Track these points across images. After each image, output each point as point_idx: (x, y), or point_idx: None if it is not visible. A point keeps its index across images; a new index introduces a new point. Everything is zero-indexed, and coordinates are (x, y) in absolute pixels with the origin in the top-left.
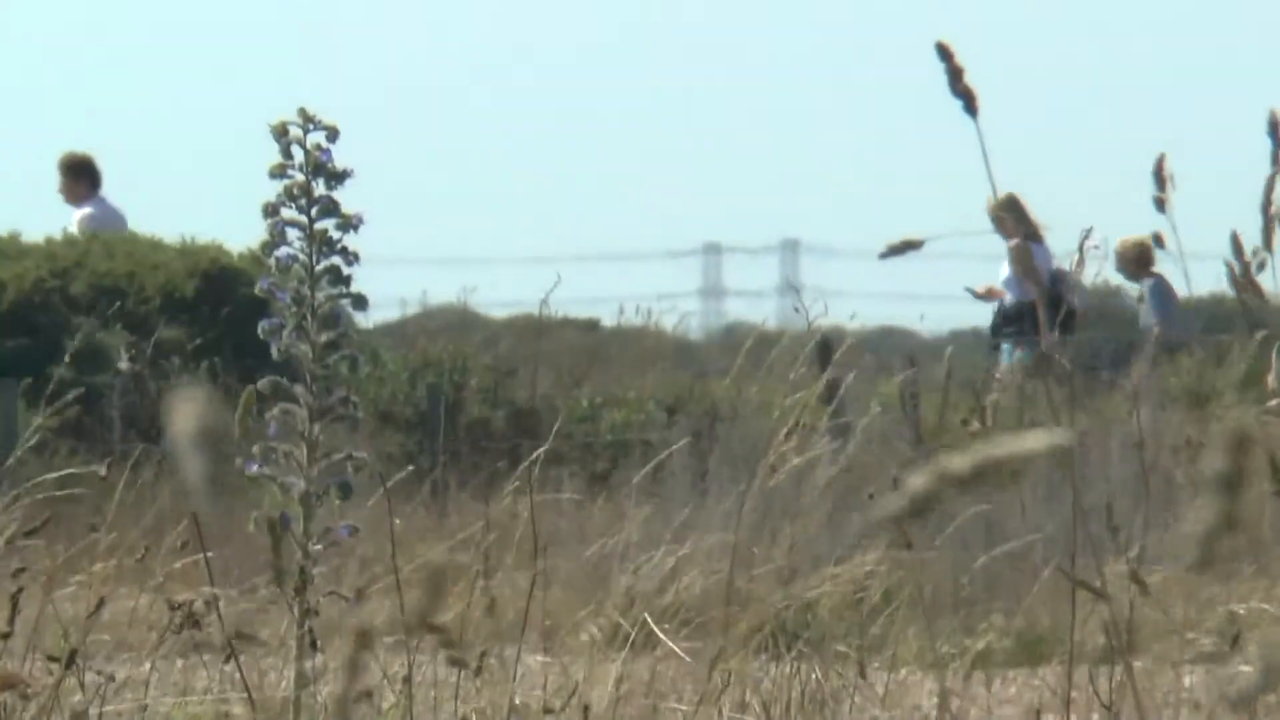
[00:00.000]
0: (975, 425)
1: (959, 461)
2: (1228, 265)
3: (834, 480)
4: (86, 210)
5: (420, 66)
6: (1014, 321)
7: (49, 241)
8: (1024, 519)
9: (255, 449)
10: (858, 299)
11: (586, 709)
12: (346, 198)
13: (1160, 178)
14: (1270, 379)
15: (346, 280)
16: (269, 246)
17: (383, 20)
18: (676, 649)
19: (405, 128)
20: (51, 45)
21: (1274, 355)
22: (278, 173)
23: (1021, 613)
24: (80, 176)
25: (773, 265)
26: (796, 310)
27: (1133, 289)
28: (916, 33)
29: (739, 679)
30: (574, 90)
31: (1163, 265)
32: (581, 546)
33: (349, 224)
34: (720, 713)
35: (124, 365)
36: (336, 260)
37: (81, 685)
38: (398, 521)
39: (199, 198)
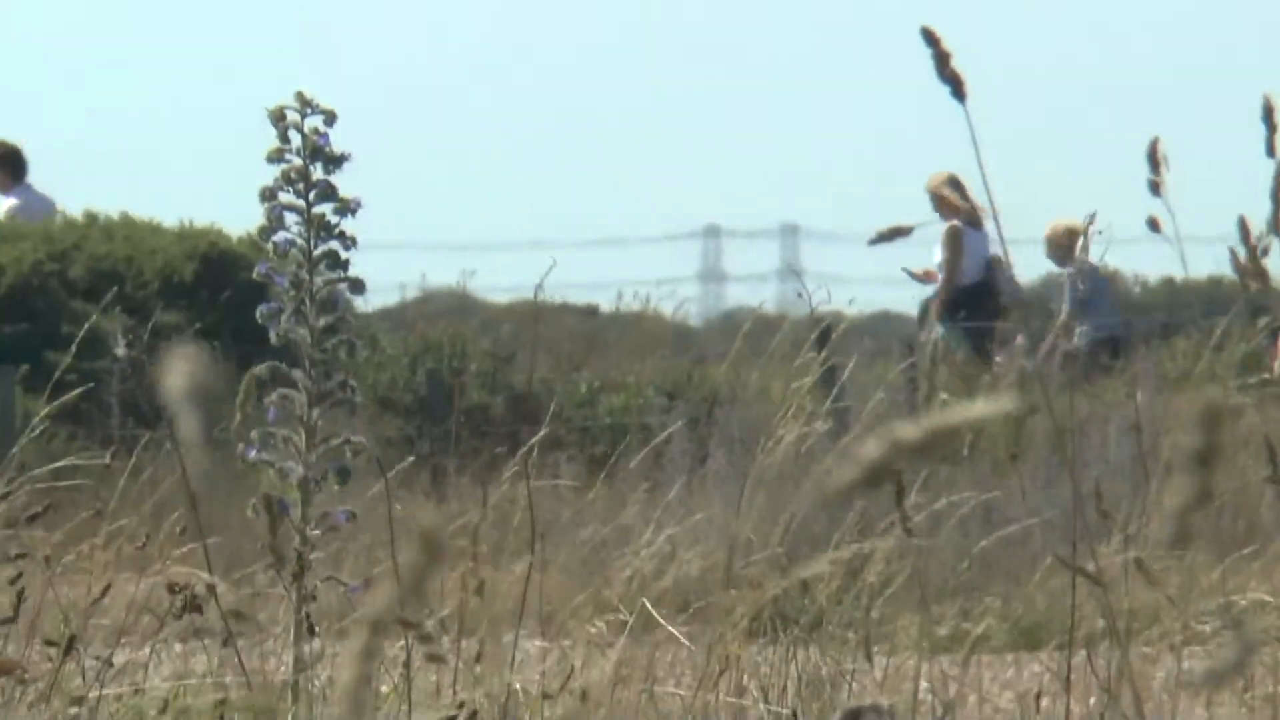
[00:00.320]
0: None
1: (910, 430)
2: (1232, 251)
3: (833, 465)
4: (12, 201)
5: (419, 51)
6: (946, 305)
7: (47, 224)
8: (1023, 504)
9: (254, 434)
10: (857, 284)
11: (584, 694)
12: (344, 182)
13: (1154, 161)
14: (1276, 365)
15: (345, 264)
16: (267, 231)
17: (381, 5)
18: (676, 633)
19: (404, 112)
20: (52, 32)
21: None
22: (276, 157)
23: (1020, 598)
24: (4, 166)
25: (772, 249)
26: (800, 296)
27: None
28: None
29: (736, 664)
30: (574, 75)
31: (1160, 249)
32: (580, 531)
33: (347, 208)
34: (718, 697)
35: (121, 350)
36: (335, 245)
37: (81, 671)
38: (397, 507)
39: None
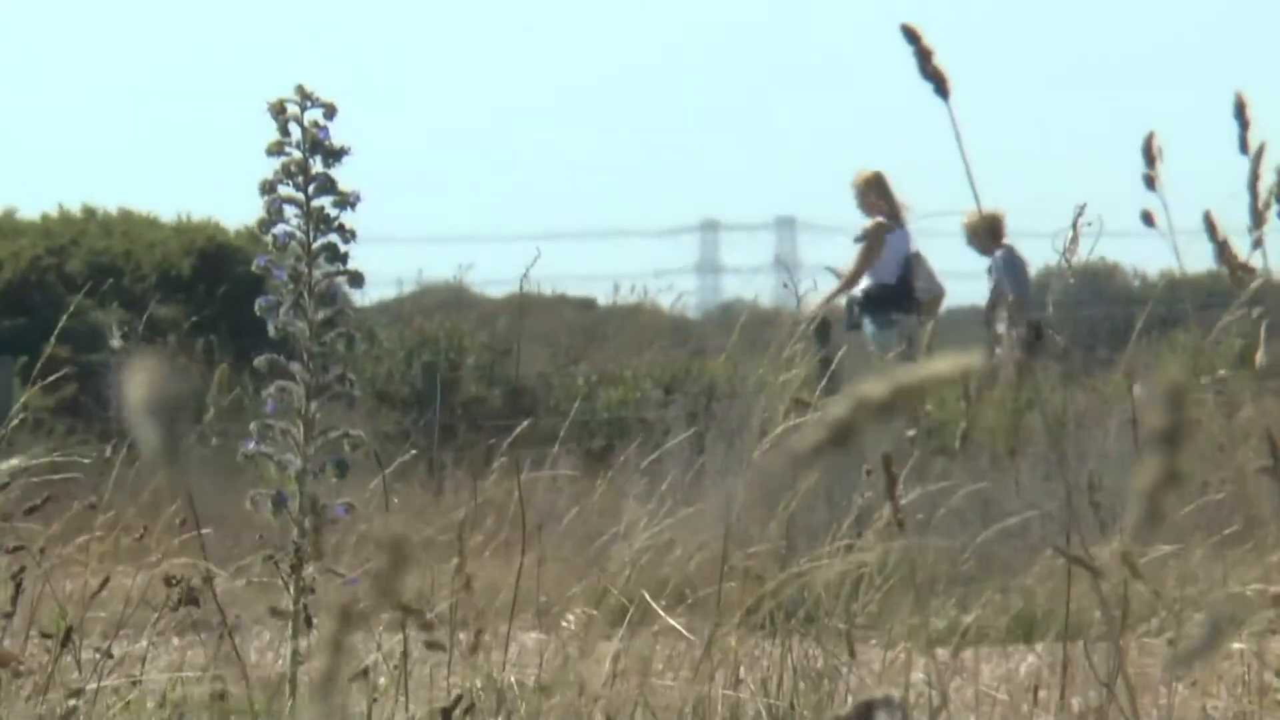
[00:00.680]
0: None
1: (876, 388)
2: (1216, 245)
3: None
4: None
5: (418, 45)
6: (872, 302)
7: (45, 219)
8: (1021, 498)
9: (253, 426)
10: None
11: (581, 686)
12: (344, 175)
13: (1149, 155)
14: (1258, 356)
15: (343, 258)
16: (266, 224)
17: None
18: (678, 626)
19: (403, 105)
20: (49, 23)
21: (1262, 332)
22: (275, 150)
23: (1018, 590)
24: None
25: (769, 242)
26: (785, 287)
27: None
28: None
29: (734, 656)
30: (570, 68)
31: (1154, 242)
32: (577, 524)
33: (346, 201)
34: (714, 690)
35: (116, 344)
36: (334, 238)
37: (78, 663)
38: (393, 500)
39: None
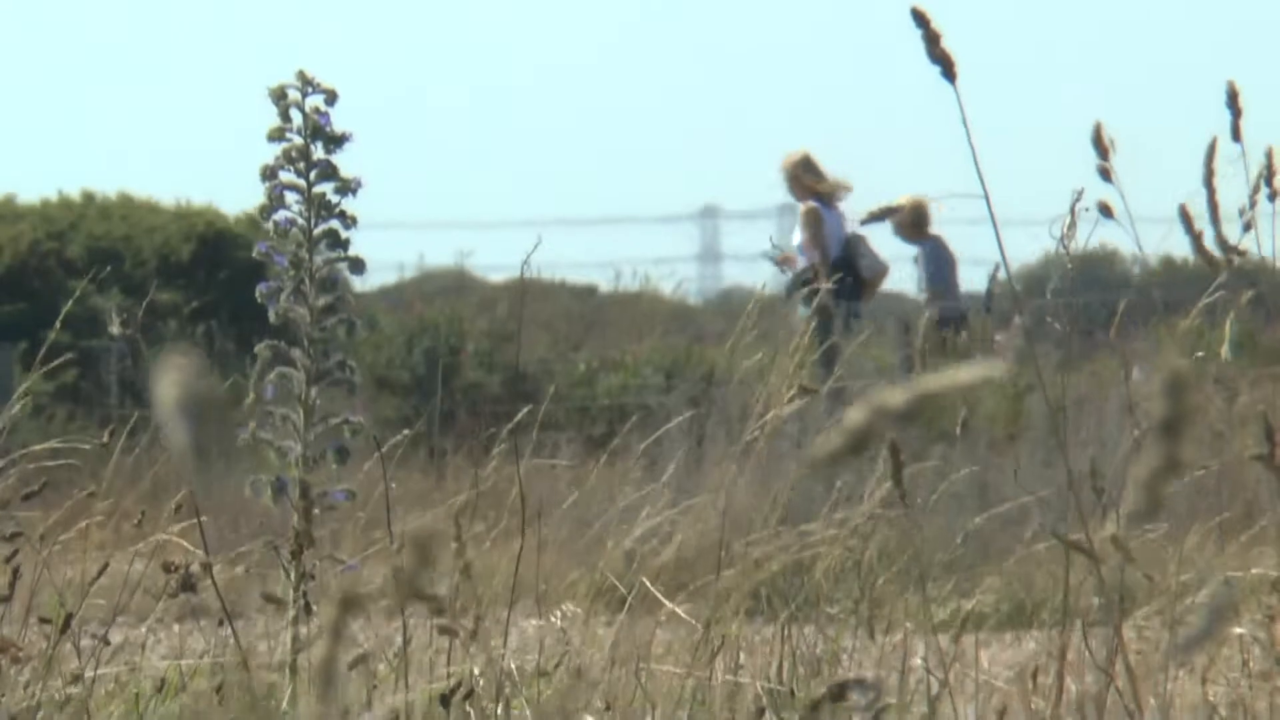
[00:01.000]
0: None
1: (895, 396)
2: (1192, 236)
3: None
4: None
5: (419, 31)
6: (806, 284)
7: (45, 204)
8: (1019, 483)
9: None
10: None
11: (579, 672)
12: (345, 161)
13: (1101, 146)
14: (1224, 350)
15: (344, 244)
16: (267, 210)
17: None
18: (679, 611)
19: (404, 91)
20: (49, 8)
21: (1228, 325)
22: (276, 136)
23: (1015, 576)
24: None
25: (770, 229)
26: (782, 272)
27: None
28: None
29: (733, 642)
30: (573, 56)
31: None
32: (577, 510)
33: (347, 187)
34: (714, 675)
35: (115, 330)
36: (334, 224)
37: (77, 650)
38: (393, 486)
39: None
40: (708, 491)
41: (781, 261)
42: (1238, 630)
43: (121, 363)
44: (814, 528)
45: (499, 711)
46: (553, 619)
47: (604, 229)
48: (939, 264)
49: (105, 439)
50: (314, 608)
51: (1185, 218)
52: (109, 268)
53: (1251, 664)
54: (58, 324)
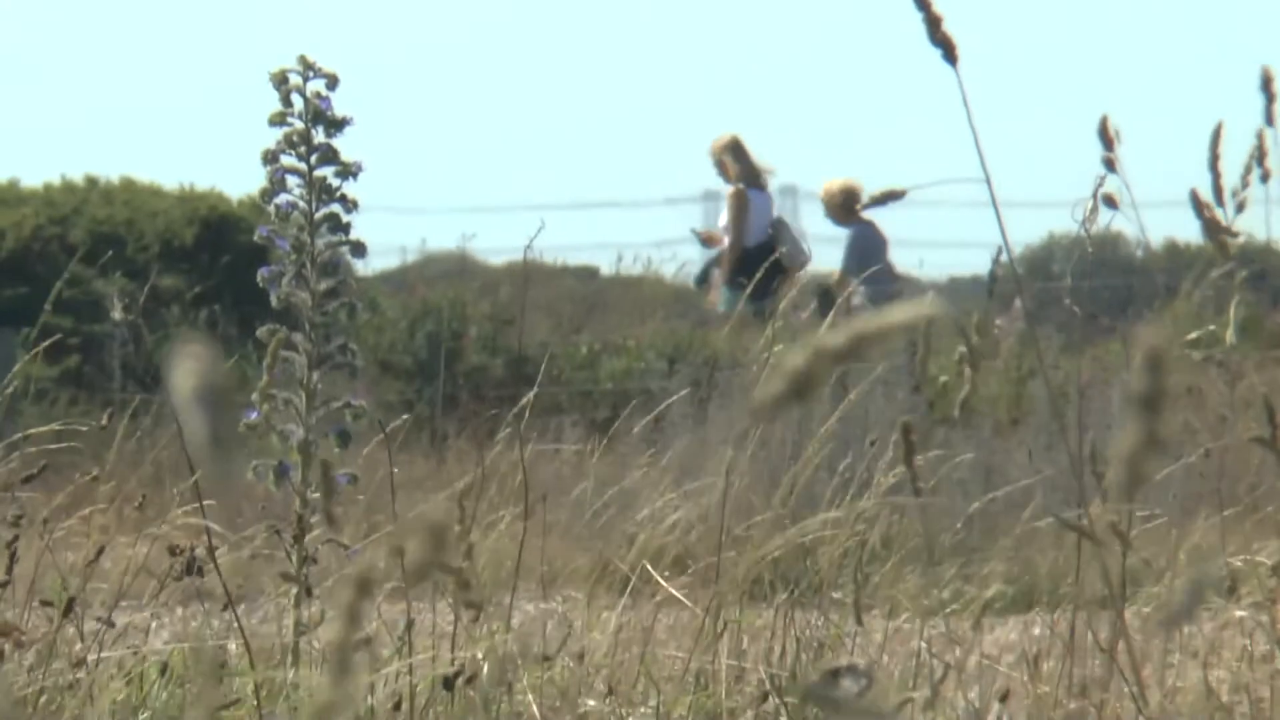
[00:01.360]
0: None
1: (834, 337)
2: (1202, 219)
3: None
4: None
5: (420, 13)
6: (733, 267)
7: (48, 188)
8: (1025, 467)
9: (254, 396)
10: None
11: (582, 655)
12: (346, 145)
13: (1106, 137)
14: (1228, 334)
15: (346, 228)
16: (268, 194)
17: None
18: (681, 597)
19: (405, 75)
20: None
21: (1233, 308)
22: (277, 120)
23: (1018, 559)
24: None
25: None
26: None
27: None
28: None
29: (736, 626)
30: (574, 36)
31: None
32: (580, 494)
33: (348, 171)
34: (717, 659)
35: (117, 314)
36: (336, 208)
37: (80, 633)
38: (395, 469)
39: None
40: (710, 476)
41: (706, 240)
42: (1239, 613)
43: (124, 348)
44: (814, 523)
45: (502, 695)
46: (555, 603)
47: (605, 212)
48: (868, 247)
49: (104, 421)
50: (314, 591)
51: (1196, 201)
52: (110, 253)
53: (1253, 647)
54: (47, 306)
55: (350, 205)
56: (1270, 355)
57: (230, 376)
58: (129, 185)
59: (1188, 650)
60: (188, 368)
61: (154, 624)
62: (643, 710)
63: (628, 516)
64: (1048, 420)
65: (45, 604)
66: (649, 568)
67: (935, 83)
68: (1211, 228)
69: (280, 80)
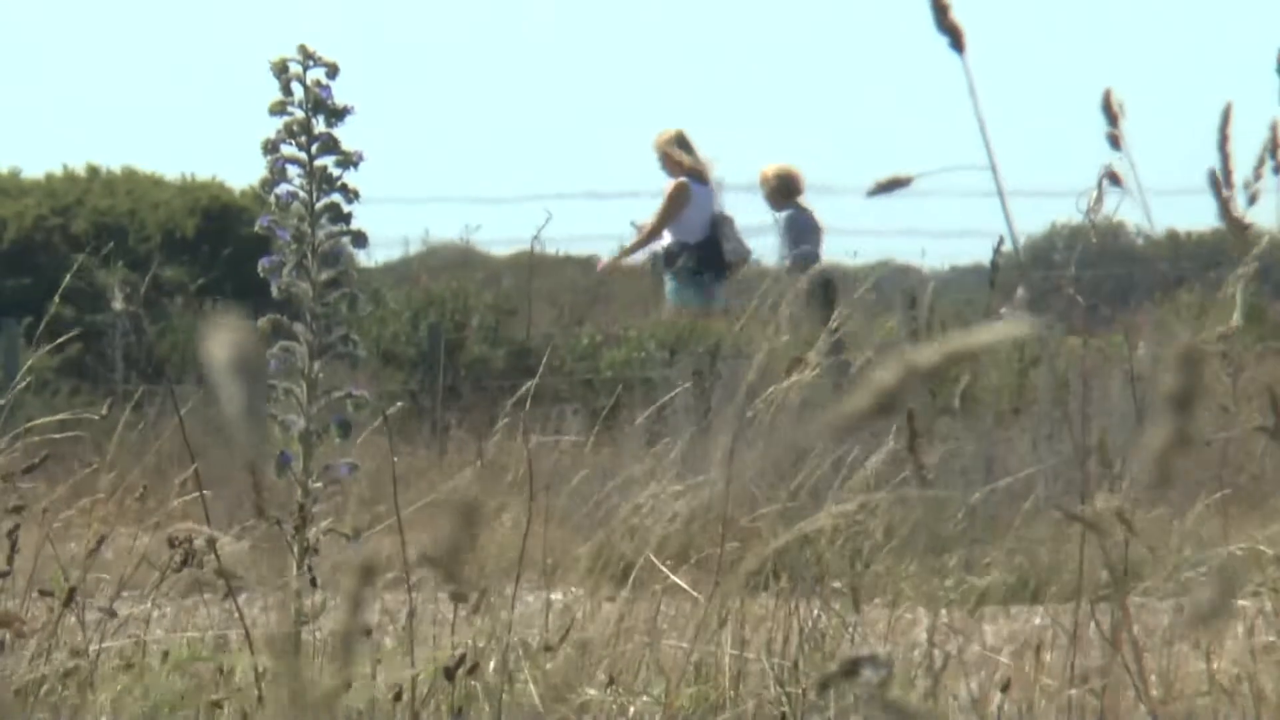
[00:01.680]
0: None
1: (925, 354)
2: (1220, 202)
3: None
4: None
5: (422, 2)
6: (674, 260)
7: (49, 178)
8: (1032, 454)
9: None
10: (859, 236)
11: (584, 645)
12: (347, 135)
13: (1110, 112)
14: (1234, 317)
15: (347, 218)
16: (269, 184)
17: None
18: (685, 586)
19: (407, 65)
20: None
21: (1237, 293)
22: (278, 110)
23: (1020, 549)
24: None
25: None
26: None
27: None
28: None
29: (738, 616)
30: (576, 26)
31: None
32: (582, 484)
33: (349, 161)
34: (719, 649)
35: (118, 305)
36: (337, 198)
37: (81, 623)
38: (396, 459)
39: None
40: (713, 466)
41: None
42: (1242, 603)
43: (126, 338)
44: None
45: (504, 685)
46: (557, 593)
47: (607, 202)
48: (801, 232)
49: (105, 412)
50: (317, 581)
51: (1215, 184)
52: (112, 243)
53: (1256, 637)
54: (56, 298)
55: (351, 195)
56: (1271, 347)
57: (261, 350)
58: (131, 175)
59: (1189, 640)
60: (223, 339)
61: (155, 614)
62: (644, 699)
63: (629, 506)
64: (1049, 409)
65: (46, 594)
66: (652, 558)
67: (941, 68)
68: (1228, 211)
69: (280, 69)
